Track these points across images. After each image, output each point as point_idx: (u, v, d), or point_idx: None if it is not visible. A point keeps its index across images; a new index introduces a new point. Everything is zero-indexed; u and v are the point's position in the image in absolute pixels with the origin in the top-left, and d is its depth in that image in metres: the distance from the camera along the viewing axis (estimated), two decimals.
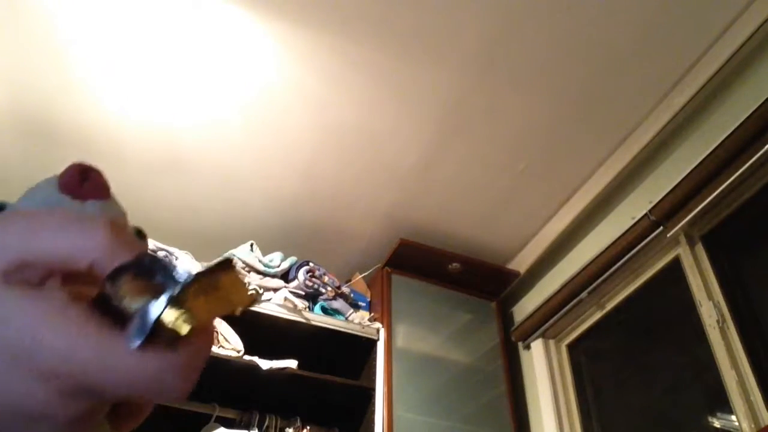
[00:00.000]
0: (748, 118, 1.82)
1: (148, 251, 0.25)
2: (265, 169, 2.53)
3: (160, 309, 0.23)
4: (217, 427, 2.10)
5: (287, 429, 2.23)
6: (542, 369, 2.58)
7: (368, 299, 2.74)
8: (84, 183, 0.38)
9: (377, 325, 2.53)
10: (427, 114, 2.28)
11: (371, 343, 2.49)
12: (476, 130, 2.34)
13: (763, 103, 1.79)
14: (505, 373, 2.65)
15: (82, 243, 0.24)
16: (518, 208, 2.67)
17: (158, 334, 0.23)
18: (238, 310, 0.26)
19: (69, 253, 0.24)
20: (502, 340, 2.75)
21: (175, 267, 0.24)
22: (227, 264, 0.25)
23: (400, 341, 2.54)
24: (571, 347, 2.62)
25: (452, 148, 2.41)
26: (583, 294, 2.40)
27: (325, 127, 2.35)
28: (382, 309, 2.59)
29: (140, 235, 0.54)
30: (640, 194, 2.31)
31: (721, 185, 1.89)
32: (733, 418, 1.79)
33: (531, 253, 2.82)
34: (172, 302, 0.23)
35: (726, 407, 1.83)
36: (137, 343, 0.23)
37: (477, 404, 2.53)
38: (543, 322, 2.59)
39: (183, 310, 0.23)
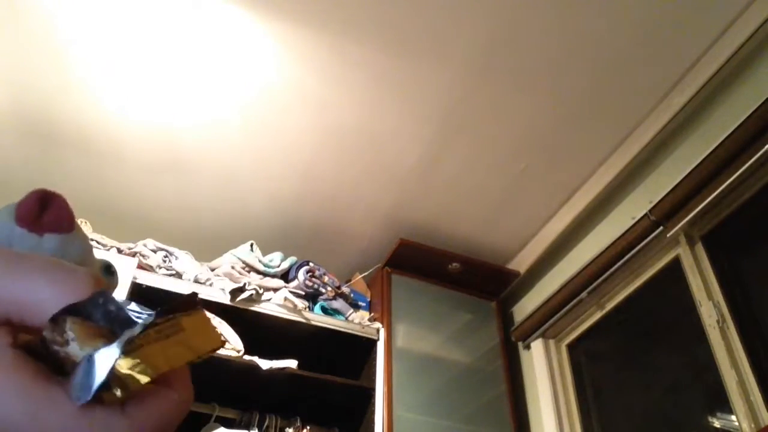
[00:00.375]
0: (748, 118, 1.82)
1: (107, 292, 0.21)
2: (265, 170, 2.53)
3: (114, 356, 0.19)
4: (217, 427, 2.10)
5: (287, 429, 2.23)
6: (542, 369, 2.58)
7: (368, 299, 2.74)
8: (43, 214, 0.34)
9: (377, 325, 2.53)
10: (427, 114, 2.28)
11: (371, 343, 2.49)
12: (476, 130, 2.34)
13: (763, 103, 1.79)
14: (505, 373, 2.65)
15: (64, 298, 0.21)
16: (518, 208, 2.67)
17: (108, 387, 0.19)
18: (204, 356, 0.22)
19: (42, 307, 0.20)
20: (502, 340, 2.75)
21: (129, 309, 0.20)
22: (190, 303, 0.21)
23: (400, 341, 2.54)
24: (571, 347, 2.62)
25: (452, 148, 2.41)
26: (583, 294, 2.40)
27: (326, 128, 2.35)
28: (382, 309, 2.59)
29: (109, 271, 0.50)
30: (640, 194, 2.31)
31: (721, 185, 1.89)
32: (733, 418, 1.79)
33: (531, 253, 2.82)
34: (127, 349, 0.19)
35: (726, 407, 1.83)
36: (84, 398, 0.19)
37: (477, 404, 2.53)
38: (543, 322, 2.59)
39: (137, 360, 0.19)
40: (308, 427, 2.26)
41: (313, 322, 2.40)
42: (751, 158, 1.81)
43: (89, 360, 0.19)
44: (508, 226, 2.76)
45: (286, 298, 2.39)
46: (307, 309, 2.45)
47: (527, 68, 2.10)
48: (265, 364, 2.19)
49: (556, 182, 2.53)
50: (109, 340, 0.19)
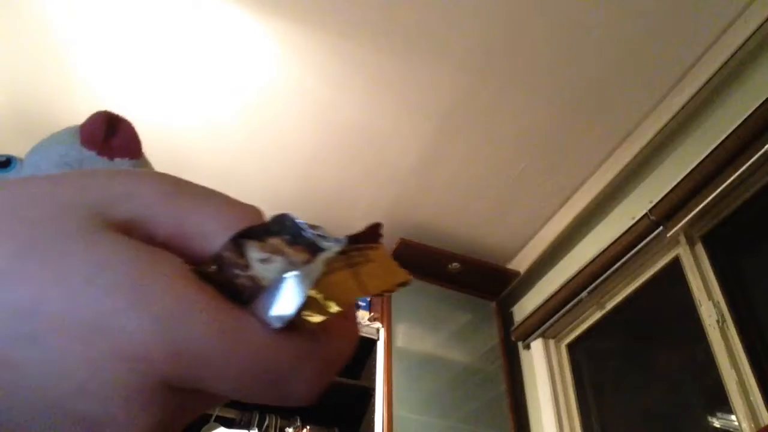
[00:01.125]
0: (748, 118, 1.82)
1: (291, 214, 0.19)
2: (265, 169, 2.53)
3: (314, 276, 0.17)
4: (216, 427, 2.10)
5: (287, 429, 2.23)
6: (542, 369, 2.58)
7: (368, 299, 2.74)
8: (111, 138, 0.31)
9: (377, 324, 2.53)
10: (427, 114, 2.28)
11: (371, 343, 2.49)
12: (476, 130, 2.34)
13: (763, 103, 1.79)
14: (505, 372, 2.65)
15: (233, 229, 0.18)
16: (518, 208, 2.67)
17: (302, 312, 0.17)
18: (392, 289, 0.20)
19: (209, 239, 0.18)
20: (502, 340, 2.75)
21: (315, 232, 0.18)
22: (376, 235, 0.19)
23: (400, 341, 2.54)
24: (571, 347, 2.62)
25: (452, 148, 2.41)
26: (583, 294, 2.40)
27: (326, 128, 2.35)
28: (382, 309, 2.59)
29: None
30: (640, 194, 2.31)
31: (721, 185, 1.89)
32: (733, 418, 1.79)
33: (531, 253, 2.82)
34: (324, 271, 0.17)
35: (726, 407, 1.83)
36: (282, 320, 0.17)
37: (477, 404, 2.53)
38: (543, 321, 2.59)
39: (328, 286, 0.17)
40: (308, 427, 2.26)
41: None
42: (751, 158, 1.81)
43: (285, 279, 0.17)
44: (508, 225, 2.76)
45: None
46: None
47: (527, 68, 2.10)
48: None
49: (556, 182, 2.54)
50: (302, 260, 0.17)
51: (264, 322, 0.17)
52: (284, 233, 0.18)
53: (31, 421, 0.16)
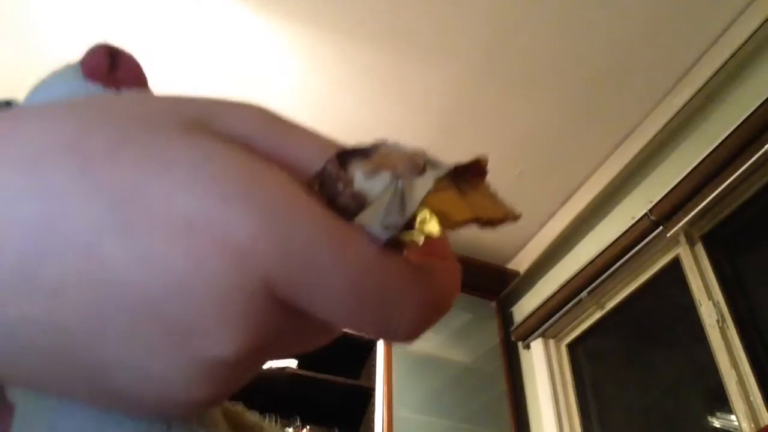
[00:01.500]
0: (748, 118, 1.82)
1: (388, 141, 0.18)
2: None
3: (426, 187, 0.15)
4: None
5: (287, 429, 2.23)
6: (542, 369, 2.58)
7: None
8: (116, 69, 0.29)
9: None
10: (427, 114, 2.28)
11: (371, 343, 2.49)
12: (476, 130, 2.34)
13: (763, 103, 1.79)
14: (505, 373, 2.65)
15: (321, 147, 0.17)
16: (518, 208, 2.66)
17: (410, 227, 0.16)
18: (497, 223, 0.19)
19: (310, 167, 0.17)
20: (502, 340, 2.75)
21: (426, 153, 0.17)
22: (484, 165, 0.18)
23: None
24: (571, 347, 2.62)
25: (452, 148, 2.41)
26: (583, 294, 2.40)
27: (326, 127, 2.33)
28: None
29: None
30: (640, 194, 2.31)
31: (721, 185, 1.89)
32: (733, 418, 1.79)
33: (531, 253, 2.82)
34: (435, 186, 0.16)
35: (726, 407, 1.83)
36: (392, 226, 0.15)
37: (477, 404, 2.53)
38: (543, 322, 2.59)
39: (438, 204, 0.16)
40: (308, 427, 2.26)
41: None
42: (751, 158, 1.81)
43: (393, 189, 0.15)
44: (508, 226, 2.76)
45: None
46: None
47: (527, 69, 2.10)
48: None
49: (556, 182, 2.54)
50: (410, 174, 0.16)
51: (371, 236, 0.15)
52: (386, 149, 0.17)
53: (116, 332, 0.14)
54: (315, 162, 0.17)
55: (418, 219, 0.16)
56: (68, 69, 0.28)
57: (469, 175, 0.17)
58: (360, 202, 0.16)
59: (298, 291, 0.15)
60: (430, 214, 0.16)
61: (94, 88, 0.26)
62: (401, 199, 0.15)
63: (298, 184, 0.16)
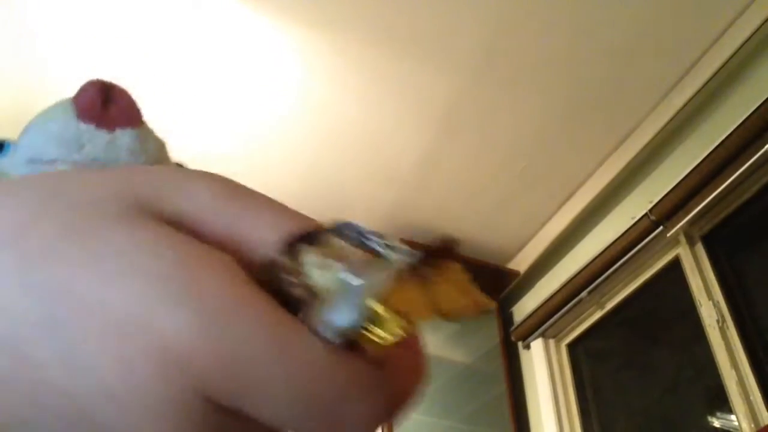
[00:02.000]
0: (748, 118, 1.82)
1: (352, 222, 0.17)
2: (265, 169, 2.53)
3: (378, 286, 0.14)
4: None
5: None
6: (542, 369, 2.58)
7: None
8: (109, 106, 0.28)
9: None
10: (427, 114, 2.28)
11: None
12: (476, 130, 2.34)
13: (763, 103, 1.78)
14: (505, 373, 2.65)
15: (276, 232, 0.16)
16: (518, 208, 2.67)
17: (364, 328, 0.14)
18: (457, 317, 0.17)
19: (264, 248, 0.16)
20: (502, 340, 2.75)
21: (381, 240, 0.16)
22: (451, 252, 0.17)
23: None
24: (571, 347, 2.62)
25: (452, 148, 2.41)
26: (583, 294, 2.40)
27: (326, 128, 2.35)
28: None
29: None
30: (640, 194, 2.31)
31: (721, 185, 1.89)
32: (733, 418, 1.79)
33: (531, 253, 2.82)
34: (389, 284, 0.14)
35: (726, 407, 1.83)
36: (341, 330, 0.14)
37: (477, 404, 2.53)
38: (543, 321, 2.59)
39: (395, 303, 0.14)
40: None
41: None
42: (751, 158, 1.81)
43: (345, 288, 0.14)
44: (508, 225, 2.76)
45: None
46: None
47: (527, 69, 2.10)
48: None
49: (556, 182, 2.53)
50: (365, 269, 0.15)
51: (320, 336, 0.14)
52: (346, 240, 0.16)
53: None
54: (268, 244, 0.16)
55: (373, 318, 0.14)
56: (61, 108, 0.27)
57: (437, 258, 0.16)
58: (312, 295, 0.15)
59: (242, 400, 0.14)
60: (386, 312, 0.14)
61: (86, 128, 0.24)
62: (352, 297, 0.14)
63: (244, 276, 0.15)
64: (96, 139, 0.24)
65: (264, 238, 0.16)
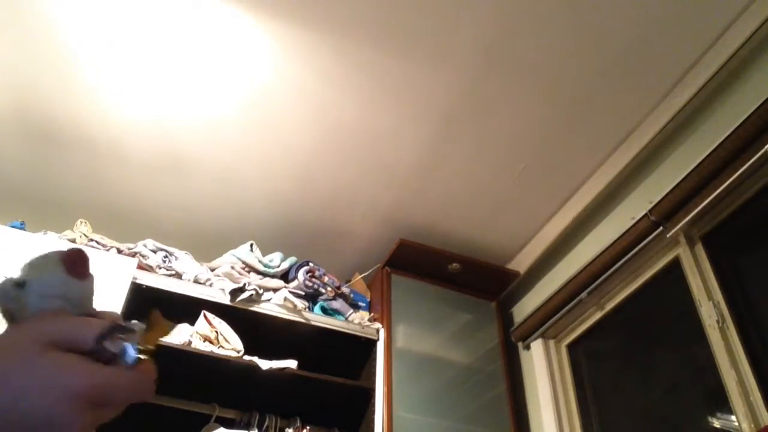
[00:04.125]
0: (748, 118, 1.82)
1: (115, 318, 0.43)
2: (265, 170, 2.53)
3: (137, 338, 0.40)
4: (217, 427, 2.10)
5: (287, 429, 2.23)
6: (542, 369, 2.58)
7: (368, 299, 2.74)
8: (83, 266, 0.46)
9: (377, 325, 2.53)
10: (426, 114, 2.28)
11: (371, 344, 2.49)
12: (476, 130, 2.34)
13: (763, 103, 1.78)
14: (505, 373, 2.65)
15: (92, 333, 0.39)
16: (518, 208, 2.67)
17: (136, 359, 0.40)
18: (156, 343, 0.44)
19: (85, 342, 0.38)
20: (502, 340, 2.75)
21: (131, 324, 0.41)
22: (147, 318, 0.41)
23: (399, 341, 2.54)
24: (571, 347, 2.62)
25: (452, 148, 2.41)
26: (583, 294, 2.40)
27: (326, 127, 2.35)
28: (381, 309, 2.59)
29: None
30: (640, 194, 2.31)
31: (721, 185, 1.89)
32: (733, 418, 1.78)
33: (531, 253, 2.82)
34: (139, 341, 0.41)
35: (726, 407, 1.83)
36: (132, 361, 0.39)
37: (477, 404, 2.53)
38: (543, 322, 2.59)
39: (140, 347, 0.41)
40: (308, 427, 2.26)
41: (312, 323, 2.40)
42: (751, 158, 1.81)
43: (125, 348, 0.39)
44: (508, 226, 2.76)
45: (285, 299, 2.39)
46: (307, 309, 2.45)
47: (527, 68, 2.10)
48: (264, 364, 2.19)
49: (556, 182, 2.53)
50: (131, 338, 0.40)
51: (126, 365, 0.39)
52: (119, 331, 0.39)
53: None
54: (88, 340, 0.38)
55: (140, 351, 0.40)
56: (55, 264, 0.43)
57: (147, 318, 0.40)
58: (114, 355, 0.38)
59: (102, 403, 0.37)
60: (144, 348, 0.40)
61: (74, 281, 0.43)
62: (130, 351, 0.39)
63: (86, 359, 0.37)
64: (74, 289, 0.44)
65: (86, 338, 0.38)
